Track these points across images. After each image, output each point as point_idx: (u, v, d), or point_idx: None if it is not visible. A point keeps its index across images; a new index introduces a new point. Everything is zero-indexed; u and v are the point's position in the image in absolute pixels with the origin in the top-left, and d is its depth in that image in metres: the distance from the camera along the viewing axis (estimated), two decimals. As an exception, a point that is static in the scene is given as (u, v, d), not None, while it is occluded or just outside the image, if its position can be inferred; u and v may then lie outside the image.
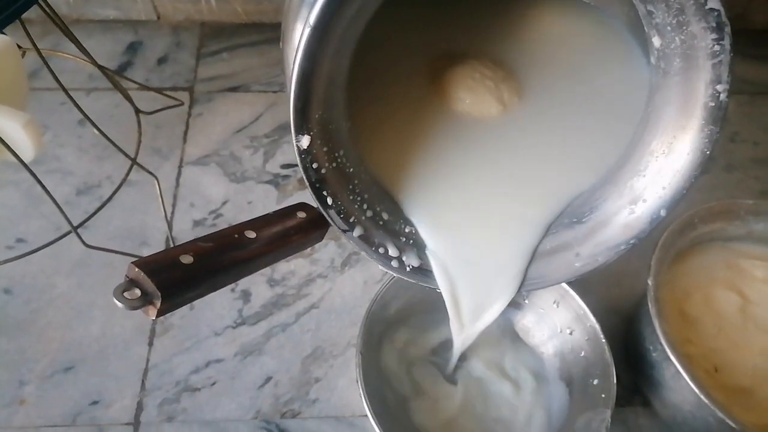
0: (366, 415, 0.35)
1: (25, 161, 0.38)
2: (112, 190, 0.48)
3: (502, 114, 0.40)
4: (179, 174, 0.50)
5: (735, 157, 0.53)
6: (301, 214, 0.37)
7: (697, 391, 0.33)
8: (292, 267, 0.46)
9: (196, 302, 0.43)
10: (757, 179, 0.52)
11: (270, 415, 0.40)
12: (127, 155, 0.44)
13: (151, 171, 0.46)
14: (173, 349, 0.42)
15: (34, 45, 0.41)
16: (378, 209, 0.33)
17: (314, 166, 0.30)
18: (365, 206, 0.33)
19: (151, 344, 0.42)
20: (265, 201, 0.49)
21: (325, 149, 0.30)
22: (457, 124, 0.37)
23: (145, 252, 0.46)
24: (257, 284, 0.45)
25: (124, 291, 0.28)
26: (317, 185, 0.31)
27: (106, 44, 0.58)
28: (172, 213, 0.48)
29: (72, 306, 0.44)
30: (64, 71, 0.55)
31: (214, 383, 0.41)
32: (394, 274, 0.33)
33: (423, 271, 0.34)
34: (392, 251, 0.33)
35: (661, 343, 0.35)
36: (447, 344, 0.40)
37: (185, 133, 0.52)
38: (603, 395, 0.37)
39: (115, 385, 0.41)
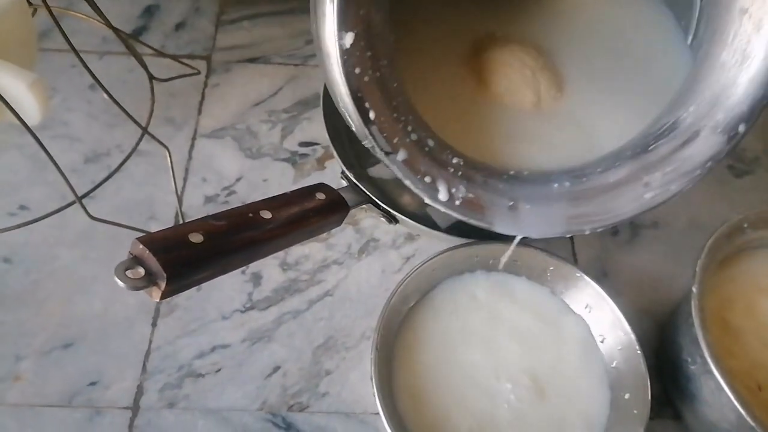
0: (378, 413, 0.33)
1: (31, 124, 0.36)
2: (122, 160, 0.46)
3: (536, 106, 0.38)
4: (192, 146, 0.48)
5: (784, 158, 0.50)
6: (321, 196, 0.34)
7: (741, 410, 0.31)
8: (307, 251, 0.44)
9: (204, 283, 0.42)
10: (807, 183, 0.49)
11: (277, 406, 0.38)
12: (138, 123, 0.41)
13: (163, 142, 0.44)
14: (178, 331, 0.40)
15: (45, 3, 0.38)
16: (423, 135, 0.30)
17: (357, 71, 0.28)
18: (409, 128, 0.30)
19: (154, 324, 0.40)
20: (281, 179, 0.47)
21: (368, 54, 0.28)
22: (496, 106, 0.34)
23: (153, 227, 0.44)
24: (269, 267, 0.43)
25: (126, 269, 0.26)
26: (359, 94, 0.29)
27: (122, 6, 0.55)
28: (183, 187, 0.46)
29: (74, 279, 0.41)
30: (77, 32, 0.52)
31: (219, 370, 0.39)
32: (441, 209, 0.30)
33: (474, 206, 0.30)
34: (440, 182, 0.30)
35: (702, 356, 0.33)
36: (468, 343, 0.38)
37: (200, 103, 0.50)
38: (635, 411, 0.34)
39: (115, 366, 0.38)
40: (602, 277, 0.44)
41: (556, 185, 0.31)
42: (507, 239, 0.39)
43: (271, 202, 0.32)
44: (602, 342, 0.38)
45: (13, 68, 0.36)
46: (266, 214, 0.31)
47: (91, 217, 0.39)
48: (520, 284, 0.40)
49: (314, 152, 0.48)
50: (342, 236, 0.44)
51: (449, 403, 0.35)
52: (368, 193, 0.39)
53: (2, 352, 0.38)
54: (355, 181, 0.39)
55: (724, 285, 0.38)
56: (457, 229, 0.43)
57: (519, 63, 0.38)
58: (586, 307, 0.38)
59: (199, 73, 0.51)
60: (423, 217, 0.42)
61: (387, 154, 0.29)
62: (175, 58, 0.50)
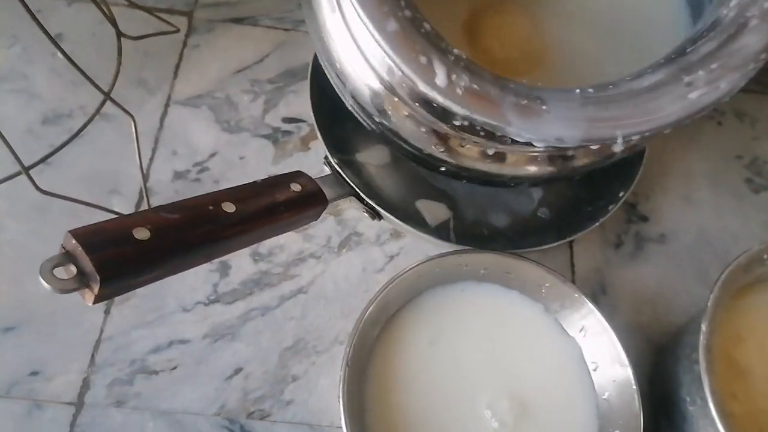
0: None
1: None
2: (84, 121, 0.42)
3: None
4: (165, 114, 0.43)
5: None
6: (296, 187, 0.31)
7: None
8: (282, 242, 0.40)
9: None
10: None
11: (235, 412, 0.35)
12: (99, 88, 0.36)
13: (131, 108, 0.39)
14: (133, 321, 0.36)
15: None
16: (418, 16, 0.26)
17: None
18: (402, 2, 0.25)
19: (107, 312, 0.36)
20: (259, 158, 0.42)
21: None
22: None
23: (115, 202, 0.40)
24: (239, 256, 0.39)
25: (55, 267, 0.22)
26: None
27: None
28: (151, 159, 0.42)
29: (22, 256, 0.38)
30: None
31: (175, 367, 0.35)
32: (439, 98, 0.25)
33: (481, 99, 0.25)
34: (437, 65, 0.25)
35: (704, 398, 0.30)
36: (449, 360, 0.34)
37: (177, 66, 0.45)
38: (624, 449, 0.31)
39: (60, 356, 0.35)
40: (600, 293, 0.41)
41: (578, 91, 0.26)
42: (501, 249, 0.36)
43: (237, 193, 0.28)
44: (594, 370, 0.34)
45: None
46: (229, 207, 0.27)
47: (41, 191, 0.35)
48: (512, 299, 0.36)
49: (299, 130, 0.44)
50: (322, 227, 0.41)
51: (422, 427, 0.32)
52: (352, 183, 0.35)
53: (-65, 333, 0.35)
54: (338, 169, 0.35)
55: (734, 318, 0.34)
56: (446, 230, 0.39)
57: (515, 26, 0.35)
58: (581, 331, 0.35)
59: (178, 31, 0.46)
60: (412, 215, 0.38)
61: (374, 22, 0.25)
62: (151, 11, 0.45)
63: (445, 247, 0.36)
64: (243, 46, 0.46)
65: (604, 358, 0.34)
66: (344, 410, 0.30)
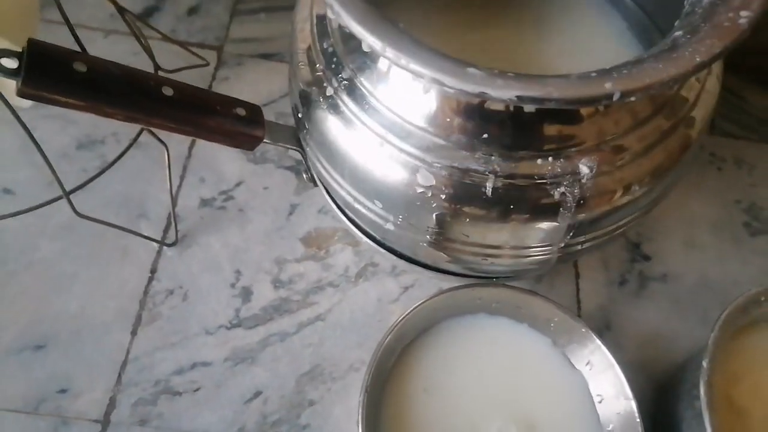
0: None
1: (21, 106, 0.33)
2: (117, 149, 0.44)
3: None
4: (193, 144, 0.45)
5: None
6: (240, 111, 0.33)
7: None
8: (302, 269, 0.42)
9: (190, 293, 0.40)
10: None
11: (255, 436, 0.36)
12: (137, 118, 0.38)
13: (162, 136, 0.41)
14: (157, 342, 0.38)
15: (50, -27, 0.36)
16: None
17: None
18: None
19: (134, 333, 0.38)
20: (283, 188, 0.44)
21: None
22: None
23: (143, 226, 0.41)
24: (260, 282, 0.41)
25: (3, 56, 0.26)
26: None
27: (133, -17, 0.52)
28: (179, 186, 0.44)
29: (52, 275, 0.39)
30: (84, 6, 0.49)
31: (197, 389, 0.37)
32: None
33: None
34: None
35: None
36: (462, 390, 0.36)
37: (206, 97, 0.47)
38: (629, 481, 0.33)
39: (87, 374, 0.36)
40: (605, 329, 0.42)
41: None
42: (507, 282, 0.38)
43: (182, 86, 0.32)
44: (600, 402, 0.36)
45: (6, 44, 0.34)
46: (168, 91, 0.31)
47: (78, 215, 0.36)
48: (522, 332, 0.38)
49: (320, 163, 0.46)
50: (340, 257, 0.42)
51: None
52: (301, 141, 0.36)
53: (-31, 348, 0.36)
54: (294, 123, 0.37)
55: (732, 358, 0.36)
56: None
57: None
58: (587, 364, 0.37)
59: (208, 64, 0.48)
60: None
61: None
62: (184, 45, 0.48)
63: (455, 280, 0.38)
64: (270, 80, 0.48)
65: (609, 391, 0.35)
66: (362, 421, 0.31)
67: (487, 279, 0.39)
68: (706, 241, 0.47)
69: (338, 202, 0.38)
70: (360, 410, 0.32)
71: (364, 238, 0.39)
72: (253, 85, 0.48)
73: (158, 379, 0.37)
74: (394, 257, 0.40)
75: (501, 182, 0.29)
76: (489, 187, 0.29)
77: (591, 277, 0.44)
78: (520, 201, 0.29)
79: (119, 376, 0.36)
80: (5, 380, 0.36)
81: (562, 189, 0.29)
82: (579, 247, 0.34)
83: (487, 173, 0.29)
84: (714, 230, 0.47)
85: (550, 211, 0.29)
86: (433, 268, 0.39)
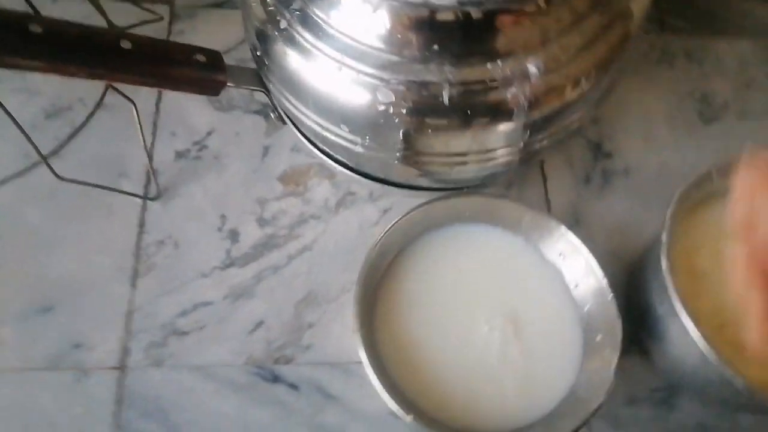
0: (361, 362, 0.34)
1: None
2: (85, 113, 0.44)
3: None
4: (159, 99, 0.46)
5: (750, 105, 0.51)
6: (200, 57, 0.35)
7: (704, 351, 0.33)
8: (284, 206, 0.43)
9: (181, 241, 0.42)
10: (771, 128, 0.50)
11: (262, 360, 0.39)
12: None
13: (128, 95, 0.42)
14: (157, 291, 0.40)
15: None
16: None
17: None
18: None
19: (133, 285, 0.40)
20: (253, 132, 0.46)
21: None
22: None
23: (124, 184, 0.43)
24: (246, 223, 0.43)
25: None
26: None
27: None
28: (153, 142, 0.45)
29: (44, 241, 0.40)
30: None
31: (202, 327, 0.39)
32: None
33: None
34: None
35: (669, 300, 0.34)
36: (447, 293, 0.39)
37: (165, 52, 0.47)
38: (607, 351, 0.36)
39: (97, 328, 0.38)
40: (575, 224, 0.45)
41: None
42: (479, 190, 0.40)
43: (141, 39, 0.33)
44: (575, 287, 0.39)
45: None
46: (126, 45, 0.32)
47: (60, 178, 0.38)
48: (496, 234, 0.40)
49: (287, 103, 0.47)
50: (318, 190, 0.44)
51: (431, 348, 0.37)
52: (264, 81, 0.37)
53: (-22, 317, 0.38)
54: (256, 66, 0.38)
55: (691, 231, 0.39)
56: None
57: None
58: (560, 255, 0.39)
59: (161, 19, 0.48)
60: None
61: None
62: (135, 2, 0.47)
63: (429, 195, 0.40)
64: (225, 29, 0.49)
65: (582, 275, 0.38)
66: (361, 341, 0.34)
67: (458, 189, 0.41)
68: (662, 134, 0.49)
69: (308, 135, 0.40)
70: (354, 320, 0.35)
71: (339, 168, 0.41)
72: (210, 35, 0.49)
73: (164, 323, 0.39)
74: (369, 182, 0.42)
75: (456, 90, 0.30)
76: (445, 96, 0.31)
77: (557, 179, 0.47)
78: (476, 106, 0.31)
79: (127, 325, 0.39)
80: (22, 344, 0.38)
81: (514, 90, 0.31)
82: (538, 145, 0.36)
83: (442, 83, 0.30)
84: (669, 122, 0.50)
85: (505, 112, 0.31)
86: (406, 186, 0.41)
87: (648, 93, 0.51)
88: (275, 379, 0.38)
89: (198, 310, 0.40)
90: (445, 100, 0.31)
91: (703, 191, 0.39)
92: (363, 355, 0.34)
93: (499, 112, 0.31)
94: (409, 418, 0.33)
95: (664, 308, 0.36)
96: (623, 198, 0.47)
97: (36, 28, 0.29)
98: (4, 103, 0.36)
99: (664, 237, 0.35)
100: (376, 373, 0.34)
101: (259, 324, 0.40)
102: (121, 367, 0.37)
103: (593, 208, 0.46)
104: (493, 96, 0.31)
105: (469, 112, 0.31)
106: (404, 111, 0.31)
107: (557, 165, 0.47)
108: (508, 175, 0.45)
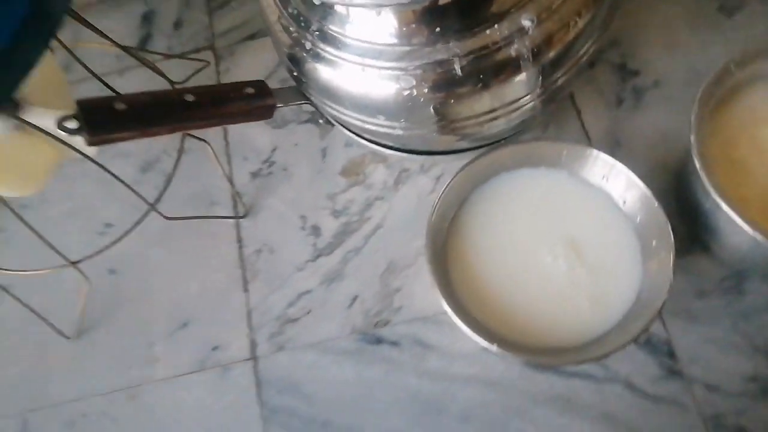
0: (446, 312, 0.39)
1: (91, 154, 0.42)
2: (172, 162, 0.52)
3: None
4: (226, 133, 0.53)
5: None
6: (249, 90, 0.40)
7: (752, 234, 0.35)
8: (350, 196, 0.49)
9: (275, 246, 0.49)
10: (797, 3, 0.50)
11: (364, 327, 0.45)
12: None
13: (201, 137, 0.49)
14: (266, 291, 0.47)
15: (60, 41, 0.43)
16: None
17: None
18: None
19: (246, 290, 0.48)
20: (309, 139, 0.52)
21: None
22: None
23: (218, 211, 0.50)
24: (322, 218, 0.49)
25: (64, 121, 0.34)
26: None
27: (120, 21, 0.59)
28: (230, 170, 0.52)
29: (169, 272, 0.49)
30: (92, 58, 0.57)
31: (309, 312, 0.46)
32: None
33: None
34: None
35: (711, 194, 0.37)
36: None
37: (220, 92, 0.55)
38: (662, 253, 0.39)
39: (226, 331, 0.47)
40: (616, 146, 0.48)
41: None
42: (517, 139, 0.44)
43: (199, 90, 0.39)
44: (624, 203, 0.42)
45: (61, 112, 0.42)
46: (189, 98, 0.38)
47: (166, 218, 0.46)
48: (540, 174, 0.44)
49: (331, 106, 0.53)
50: (376, 175, 0.50)
51: (504, 286, 0.42)
52: (305, 94, 0.43)
53: (137, 342, 0.47)
54: (294, 82, 0.43)
55: (725, 126, 0.41)
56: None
57: None
58: (603, 178, 0.43)
59: (208, 63, 0.55)
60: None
61: None
62: (182, 56, 0.55)
63: (472, 154, 0.45)
64: (262, 56, 0.55)
65: (626, 191, 0.41)
66: (441, 293, 0.39)
67: (498, 143, 0.45)
68: (685, 38, 0.51)
69: (354, 130, 0.45)
70: (432, 277, 0.40)
71: (389, 152, 0.47)
72: (252, 65, 0.55)
73: (278, 315, 0.46)
74: (418, 157, 0.47)
75: (465, 61, 0.35)
76: (458, 68, 0.35)
77: (591, 109, 0.49)
78: (487, 69, 0.36)
79: (249, 323, 0.46)
80: (173, 356, 0.46)
81: (516, 46, 0.35)
82: (556, 85, 0.39)
83: (452, 58, 0.35)
84: (691, 25, 0.51)
85: (513, 68, 0.36)
86: (451, 152, 0.46)
87: (663, 1, 0.52)
88: (378, 341, 0.45)
89: (302, 299, 0.47)
90: (458, 71, 0.35)
91: (726, 86, 0.40)
92: (445, 305, 0.39)
93: (507, 69, 0.36)
94: (494, 348, 0.38)
95: (710, 203, 0.39)
96: (658, 110, 0.49)
97: (120, 105, 0.36)
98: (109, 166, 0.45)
99: (692, 138, 0.38)
100: (460, 317, 0.39)
101: (354, 298, 0.46)
102: (253, 358, 0.45)
103: (630, 126, 0.48)
104: (498, 57, 0.35)
105: (481, 76, 0.35)
106: (426, 90, 0.36)
107: (588, 96, 0.50)
108: (543, 118, 0.48)
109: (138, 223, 0.46)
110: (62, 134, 0.39)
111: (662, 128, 0.48)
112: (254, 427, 0.43)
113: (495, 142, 0.46)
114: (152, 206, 0.45)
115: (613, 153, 0.47)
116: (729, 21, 0.51)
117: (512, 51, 0.35)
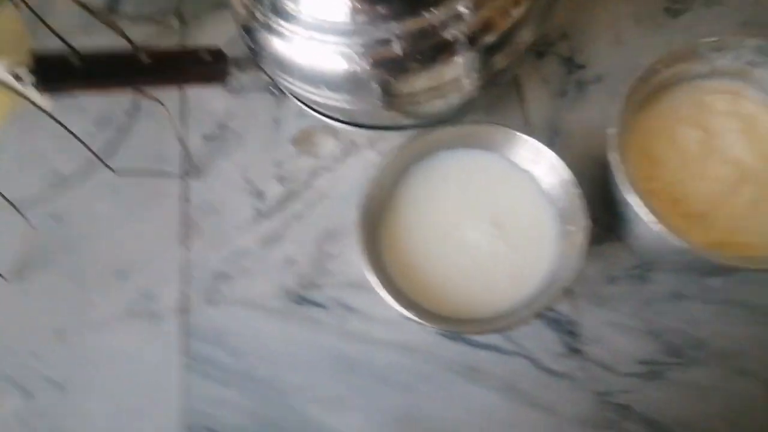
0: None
1: (45, 107, 0.43)
2: (128, 120, 0.54)
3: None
4: (183, 96, 0.55)
5: (716, -9, 0.53)
6: (206, 56, 0.43)
7: (654, 226, 0.37)
8: (298, 164, 0.51)
9: (219, 206, 0.50)
10: (739, 10, 0.52)
11: (294, 289, 0.47)
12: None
13: (158, 98, 0.51)
14: (205, 247, 0.49)
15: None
16: None
17: None
18: None
19: (185, 245, 0.49)
20: (264, 108, 0.53)
21: None
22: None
23: (168, 170, 0.52)
24: (269, 183, 0.51)
25: (18, 71, 0.37)
26: None
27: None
28: (185, 132, 0.54)
29: (114, 224, 0.51)
30: (62, 15, 0.58)
31: (244, 270, 0.48)
32: None
33: None
34: None
35: (623, 186, 0.39)
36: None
37: (181, 55, 0.56)
38: (577, 237, 0.41)
39: (162, 282, 0.48)
40: (554, 135, 0.50)
41: None
42: (458, 119, 0.46)
43: (156, 52, 0.42)
44: (549, 188, 0.44)
45: (14, 61, 0.43)
46: (146, 59, 0.40)
47: (114, 171, 0.47)
48: (475, 155, 0.46)
49: (288, 77, 0.54)
50: (325, 146, 0.51)
51: (430, 259, 0.44)
52: (259, 64, 0.44)
53: (73, 287, 0.49)
54: (250, 53, 0.44)
55: (647, 122, 0.43)
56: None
57: None
58: (531, 162, 0.45)
59: (173, 28, 0.57)
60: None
61: None
62: (149, 20, 0.56)
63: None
64: (228, 26, 0.56)
65: (552, 175, 0.43)
66: (367, 260, 0.41)
67: (441, 123, 0.47)
68: (631, 36, 0.52)
69: (305, 102, 0.47)
70: (359, 244, 0.42)
71: (340, 125, 0.48)
72: (216, 34, 0.56)
73: (213, 271, 0.48)
74: (366, 131, 0.49)
75: (405, 41, 0.37)
76: (398, 48, 0.37)
77: (535, 98, 0.51)
78: (425, 50, 0.37)
79: (185, 276, 0.48)
80: (104, 301, 0.48)
81: (453, 30, 0.36)
82: (495, 69, 0.41)
83: (392, 38, 0.37)
84: (637, 24, 0.53)
85: (451, 49, 0.37)
86: (397, 128, 0.48)
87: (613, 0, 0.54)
88: (306, 302, 0.47)
89: (239, 258, 0.49)
90: (399, 51, 0.37)
91: (652, 84, 0.42)
92: (366, 270, 0.41)
93: (444, 52, 0.37)
94: (408, 313, 0.40)
95: (621, 195, 0.41)
96: (598, 103, 0.51)
97: (76, 61, 0.38)
98: (62, 118, 0.46)
99: (612, 131, 0.40)
100: (381, 284, 0.41)
101: (289, 261, 0.48)
102: (184, 309, 0.47)
103: (570, 117, 0.50)
104: (436, 40, 0.37)
105: (420, 57, 0.37)
106: (369, 67, 0.38)
107: (534, 85, 0.52)
108: (486, 103, 0.50)
109: (87, 173, 0.47)
110: (16, 84, 0.41)
111: (598, 121, 0.49)
112: (176, 374, 0.45)
113: (439, 122, 0.48)
114: (101, 159, 0.46)
115: (551, 141, 0.49)
116: (674, 21, 0.52)
117: (449, 35, 0.37)
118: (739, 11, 0.52)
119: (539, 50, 0.52)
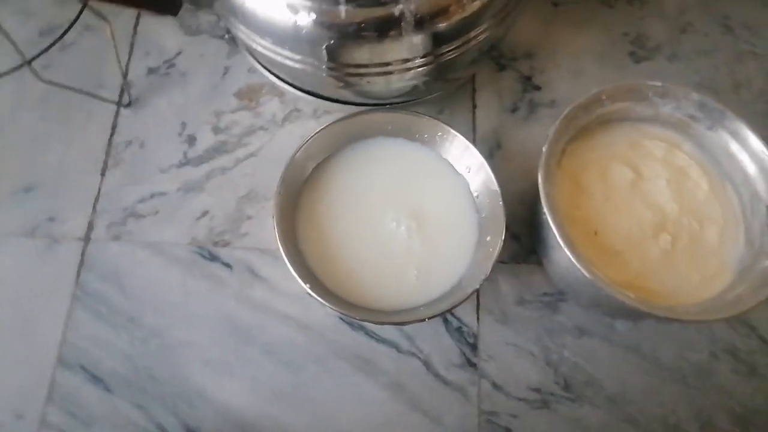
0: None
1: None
2: (74, 33, 0.51)
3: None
4: (137, 23, 0.53)
5: (682, 47, 0.54)
6: None
7: (567, 251, 0.37)
8: (237, 118, 0.50)
9: (146, 142, 0.49)
10: (697, 71, 0.53)
11: (204, 242, 0.46)
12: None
13: (109, 17, 0.48)
14: (123, 181, 0.47)
15: None
16: None
17: None
18: None
19: (103, 174, 0.47)
20: (216, 54, 0.52)
21: None
22: None
23: (102, 92, 0.50)
24: (202, 131, 0.49)
25: None
26: None
27: None
28: (129, 59, 0.51)
29: (33, 136, 0.48)
30: None
31: (157, 212, 0.46)
32: None
33: None
34: None
35: (543, 208, 0.39)
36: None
37: (145, -19, 0.54)
38: (492, 248, 0.41)
39: (69, 206, 0.46)
40: (497, 148, 0.50)
41: None
42: (406, 107, 0.45)
43: None
44: (477, 197, 0.44)
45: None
46: None
47: (41, 79, 0.45)
48: (413, 147, 0.46)
49: (248, 30, 0.53)
50: (268, 105, 0.50)
51: (344, 240, 0.43)
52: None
53: (-27, 193, 0.46)
54: None
55: (583, 152, 0.43)
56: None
57: None
58: (466, 168, 0.45)
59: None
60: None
61: None
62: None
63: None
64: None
65: (483, 187, 0.43)
66: (277, 227, 0.40)
67: (390, 105, 0.46)
68: (592, 70, 0.53)
69: (255, 55, 0.46)
70: (274, 209, 0.41)
71: (288, 88, 0.47)
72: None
73: (125, 206, 0.46)
74: (313, 100, 0.48)
75: (351, 6, 0.36)
76: (342, 11, 0.36)
77: (486, 107, 0.51)
78: (370, 20, 0.37)
79: (94, 206, 0.46)
80: (5, 215, 0.46)
81: (400, 5, 0.36)
82: (441, 60, 0.41)
83: (339, 4, 0.36)
84: (600, 60, 0.54)
85: (397, 24, 0.37)
86: (342, 102, 0.47)
87: (584, 32, 0.54)
88: (213, 258, 0.45)
89: (155, 199, 0.47)
90: (342, 15, 0.36)
91: (594, 114, 0.43)
92: (279, 240, 0.40)
93: (389, 26, 0.37)
94: (307, 287, 0.39)
95: (541, 217, 0.41)
96: (545, 127, 0.50)
97: None
98: (5, 24, 0.43)
99: (544, 149, 0.40)
100: (289, 254, 0.40)
101: (205, 213, 0.47)
102: (86, 239, 0.45)
103: (516, 134, 0.51)
104: (382, 12, 0.36)
105: (363, 25, 0.36)
106: (313, 25, 0.37)
107: (488, 96, 0.52)
108: (437, 101, 0.50)
109: (6, 73, 0.45)
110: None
111: (541, 143, 0.50)
112: (62, 303, 0.43)
113: (387, 104, 0.47)
114: (28, 62, 0.44)
115: (491, 152, 0.49)
116: (635, 66, 0.53)
117: (396, 10, 0.36)
118: (698, 73, 0.53)
119: (501, 63, 0.52)
